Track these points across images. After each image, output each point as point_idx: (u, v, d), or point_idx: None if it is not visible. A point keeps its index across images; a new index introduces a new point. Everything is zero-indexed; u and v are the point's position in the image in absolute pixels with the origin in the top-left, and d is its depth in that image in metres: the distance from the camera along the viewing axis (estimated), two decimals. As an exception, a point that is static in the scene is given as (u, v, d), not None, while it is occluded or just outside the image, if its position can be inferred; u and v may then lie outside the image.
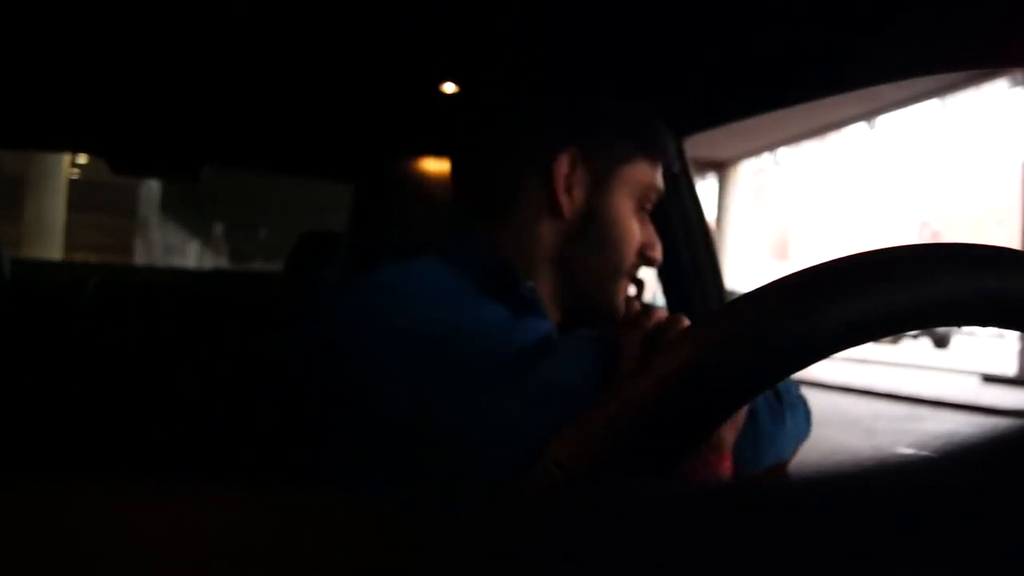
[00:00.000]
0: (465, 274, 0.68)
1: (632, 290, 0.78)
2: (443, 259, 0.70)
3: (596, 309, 0.75)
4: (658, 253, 0.76)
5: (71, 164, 9.64)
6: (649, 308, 0.67)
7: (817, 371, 7.25)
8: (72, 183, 9.94)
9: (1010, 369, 8.95)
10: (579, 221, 0.72)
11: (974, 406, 6.90)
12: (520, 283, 0.69)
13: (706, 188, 10.82)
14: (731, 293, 1.47)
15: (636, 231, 0.74)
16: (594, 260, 0.73)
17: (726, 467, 0.57)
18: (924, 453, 0.24)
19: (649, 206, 0.76)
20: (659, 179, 0.76)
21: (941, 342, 15.50)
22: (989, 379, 8.94)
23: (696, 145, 1.35)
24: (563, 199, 0.71)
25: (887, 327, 0.29)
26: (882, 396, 7.69)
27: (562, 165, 0.71)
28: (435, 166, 1.16)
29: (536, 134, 0.73)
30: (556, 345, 0.65)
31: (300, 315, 0.69)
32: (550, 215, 0.72)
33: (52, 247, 8.79)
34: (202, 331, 1.52)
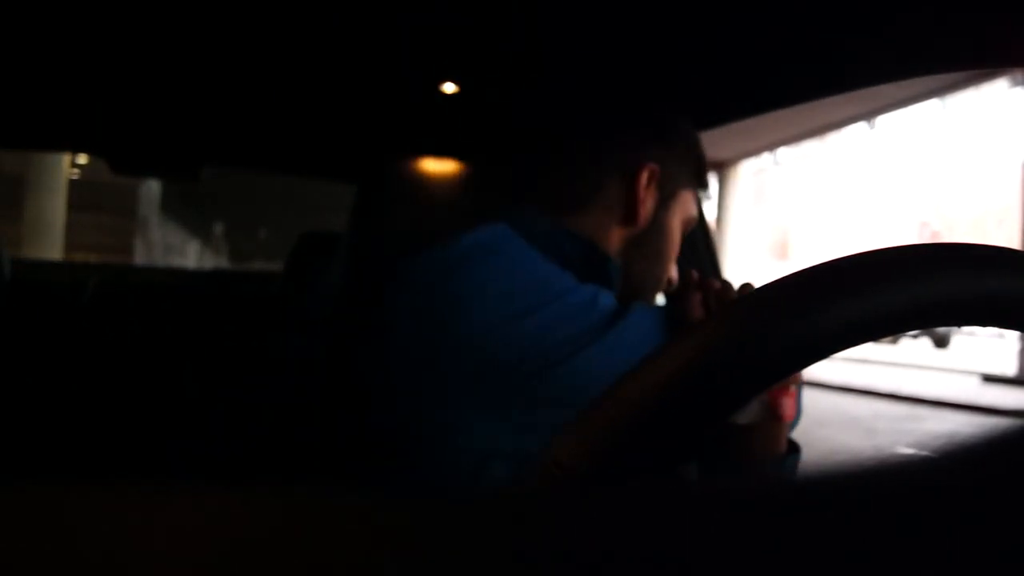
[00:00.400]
0: (547, 246, 0.73)
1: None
2: (519, 232, 0.73)
3: None
4: (675, 276, 0.81)
5: (71, 164, 9.64)
6: (705, 277, 0.73)
7: (817, 371, 7.26)
8: (72, 183, 9.94)
9: (1010, 369, 8.95)
10: (643, 231, 0.77)
11: (974, 406, 6.90)
12: (611, 260, 0.76)
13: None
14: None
15: (677, 250, 0.81)
16: (649, 269, 0.79)
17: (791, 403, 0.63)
18: (924, 453, 0.24)
19: (685, 233, 0.83)
20: (696, 211, 0.84)
21: (941, 342, 15.51)
22: (989, 379, 8.94)
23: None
24: (640, 208, 0.76)
25: (888, 327, 0.29)
26: (882, 396, 7.70)
27: (644, 176, 0.76)
28: (436, 166, 1.16)
29: (625, 142, 0.78)
30: (632, 310, 0.68)
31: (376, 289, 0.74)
32: (623, 220, 0.77)
33: (52, 247, 8.79)
34: (202, 331, 1.52)
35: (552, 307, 0.64)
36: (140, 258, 13.36)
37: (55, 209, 9.04)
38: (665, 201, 0.78)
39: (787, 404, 0.63)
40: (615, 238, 0.77)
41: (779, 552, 0.17)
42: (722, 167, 10.46)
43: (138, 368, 1.42)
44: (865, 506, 0.20)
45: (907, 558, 0.18)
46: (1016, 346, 8.90)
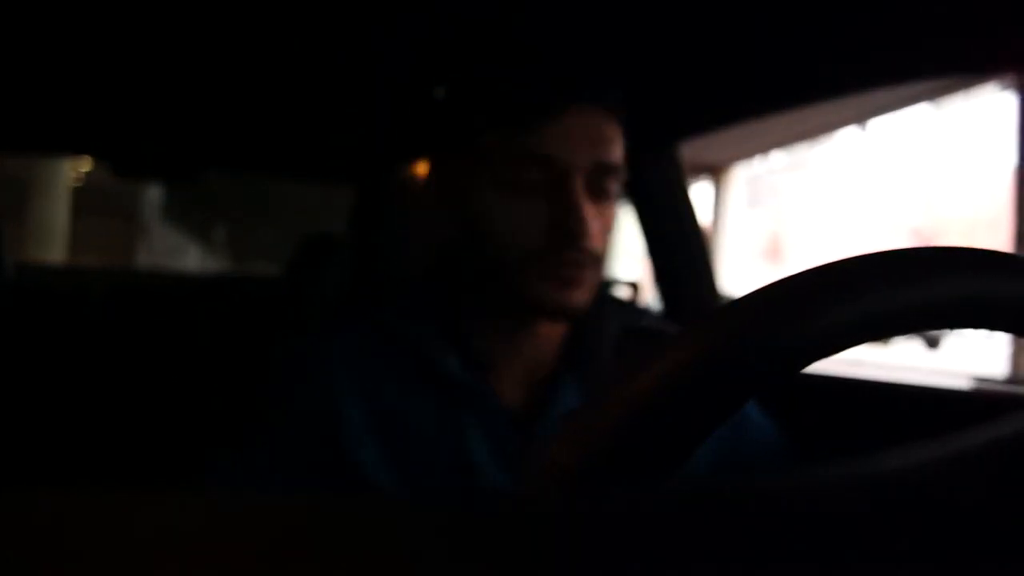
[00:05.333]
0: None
1: (628, 293, 0.76)
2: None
3: (524, 303, 0.69)
4: (572, 228, 0.65)
5: (74, 168, 9.57)
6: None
7: (811, 373, 7.19)
8: (75, 188, 9.87)
9: (1000, 371, 8.92)
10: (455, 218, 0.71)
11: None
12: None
13: (700, 192, 10.79)
14: (726, 296, 1.48)
15: (502, 209, 0.66)
16: (469, 252, 0.71)
17: None
18: (919, 452, 0.25)
19: (529, 176, 0.65)
20: (531, 142, 0.65)
21: (932, 344, 15.46)
22: (980, 381, 8.90)
23: (690, 149, 1.36)
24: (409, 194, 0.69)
25: (881, 330, 0.30)
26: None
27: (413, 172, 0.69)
28: None
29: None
30: None
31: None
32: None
33: (55, 251, 8.72)
34: (206, 335, 1.51)
35: None
36: (142, 261, 13.25)
37: (58, 213, 8.97)
38: (462, 172, 0.69)
39: None
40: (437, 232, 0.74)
41: (780, 551, 0.18)
42: (716, 171, 10.43)
43: (142, 372, 1.42)
44: (863, 507, 0.21)
45: (907, 557, 0.19)
46: (1006, 348, 8.88)
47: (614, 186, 0.69)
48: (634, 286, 3.29)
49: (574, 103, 0.66)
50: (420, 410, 0.68)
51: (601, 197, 0.68)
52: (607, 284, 0.78)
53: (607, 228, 0.69)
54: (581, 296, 0.68)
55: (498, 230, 0.67)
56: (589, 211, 0.66)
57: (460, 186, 0.70)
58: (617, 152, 0.69)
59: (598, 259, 0.68)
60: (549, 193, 0.66)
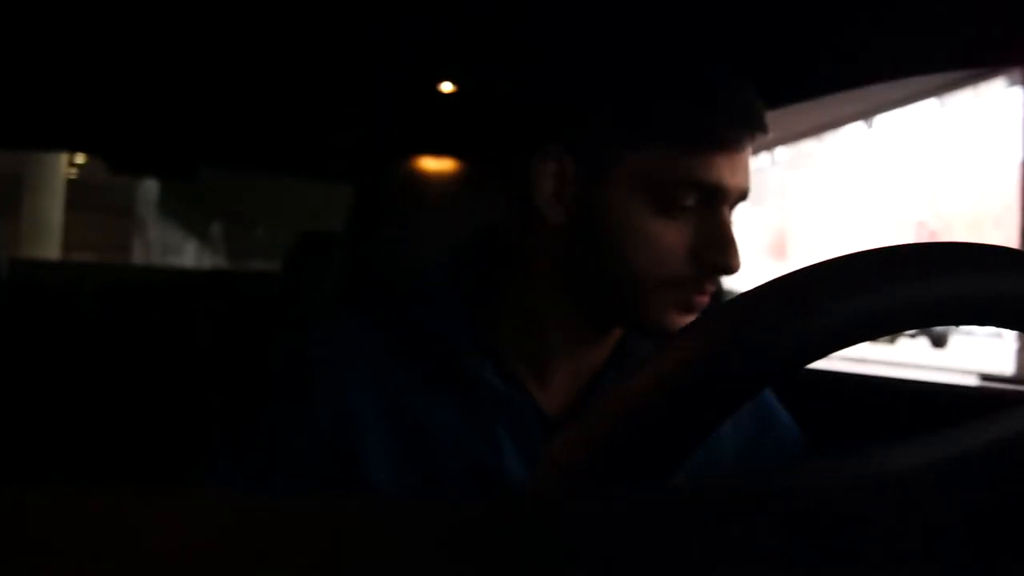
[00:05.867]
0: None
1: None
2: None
3: (635, 325, 0.67)
4: (727, 258, 0.63)
5: (69, 163, 9.63)
6: None
7: (815, 369, 7.22)
8: (70, 182, 9.93)
9: (1007, 368, 8.95)
10: (576, 224, 0.65)
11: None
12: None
13: (704, 188, 10.81)
14: (728, 293, 1.46)
15: (651, 233, 0.62)
16: (590, 266, 0.65)
17: None
18: (920, 450, 0.24)
19: (686, 201, 0.62)
20: (700, 167, 0.62)
21: (939, 341, 15.50)
22: (987, 379, 8.94)
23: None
24: (537, 198, 0.64)
25: (885, 326, 0.29)
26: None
27: (540, 162, 0.64)
28: (435, 166, 1.16)
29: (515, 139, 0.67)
30: None
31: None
32: (536, 218, 0.66)
33: (50, 247, 8.78)
34: (201, 331, 1.52)
35: None
36: (138, 257, 13.35)
37: (53, 208, 9.05)
38: (594, 180, 0.63)
39: None
40: (539, 239, 0.67)
41: (779, 552, 0.18)
42: (720, 167, 10.45)
43: (136, 368, 1.42)
44: (864, 506, 0.20)
45: (907, 556, 0.18)
46: (1014, 345, 8.91)
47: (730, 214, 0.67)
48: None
49: (756, 133, 0.64)
50: (444, 414, 0.65)
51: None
52: None
53: None
54: (685, 322, 0.65)
55: (638, 253, 0.62)
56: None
57: (587, 199, 0.64)
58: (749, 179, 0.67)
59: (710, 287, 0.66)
60: (701, 218, 0.63)
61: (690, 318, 0.64)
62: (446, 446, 0.64)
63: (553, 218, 0.64)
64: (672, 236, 0.62)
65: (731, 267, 0.63)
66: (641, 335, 0.70)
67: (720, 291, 1.37)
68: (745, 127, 0.63)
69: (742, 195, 0.66)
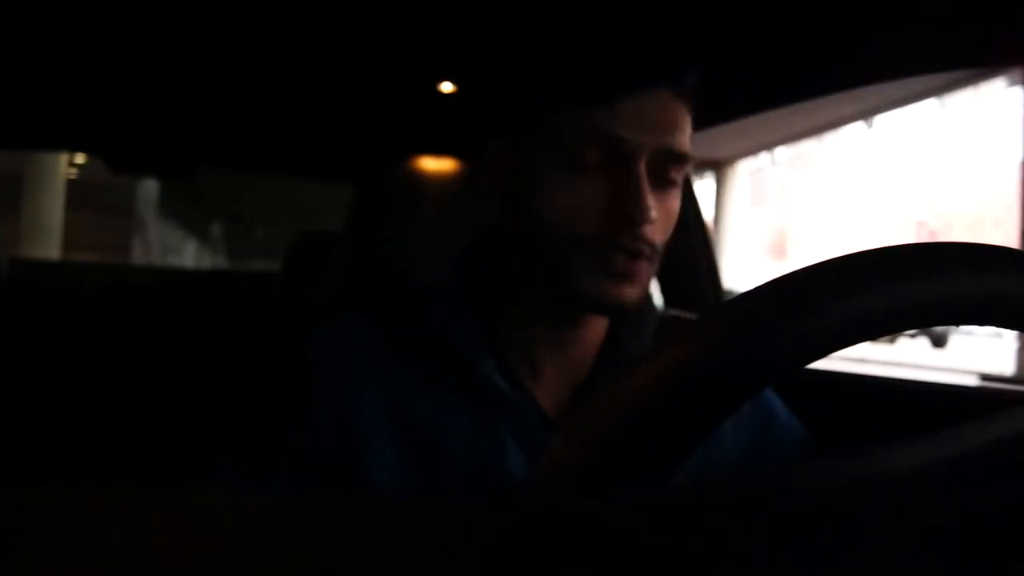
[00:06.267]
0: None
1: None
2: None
3: (570, 298, 0.66)
4: (632, 210, 0.61)
5: (69, 163, 9.63)
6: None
7: (815, 369, 7.22)
8: (69, 182, 9.93)
9: (1008, 369, 8.95)
10: (516, 211, 0.66)
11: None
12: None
13: (703, 187, 10.81)
14: (729, 292, 1.47)
15: (561, 191, 0.63)
16: (524, 239, 0.67)
17: None
18: (920, 450, 0.24)
19: (591, 158, 0.62)
20: (602, 122, 0.62)
21: (939, 342, 15.50)
22: (987, 379, 8.94)
23: (693, 144, 1.34)
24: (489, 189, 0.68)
25: (885, 326, 0.29)
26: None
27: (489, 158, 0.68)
28: (435, 166, 1.16)
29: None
30: None
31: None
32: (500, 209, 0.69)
33: (50, 247, 8.78)
34: (201, 331, 1.52)
35: None
36: (138, 257, 13.36)
37: (52, 208, 9.06)
38: (519, 154, 0.65)
39: None
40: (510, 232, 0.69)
41: (777, 551, 0.18)
42: (719, 166, 10.45)
43: (136, 368, 1.42)
44: (864, 506, 0.20)
45: (907, 555, 0.18)
46: (1014, 345, 8.91)
47: (678, 176, 0.65)
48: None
49: (652, 87, 0.63)
50: (446, 415, 0.65)
51: (664, 186, 0.64)
52: None
53: (668, 221, 0.65)
54: (634, 292, 0.63)
55: (551, 213, 0.63)
56: (650, 198, 0.61)
57: (515, 171, 0.66)
58: (684, 140, 0.65)
59: (655, 253, 0.64)
60: (610, 175, 0.62)
61: (627, 288, 0.63)
62: (449, 447, 0.64)
63: (503, 203, 0.67)
64: (581, 193, 0.62)
65: (636, 219, 0.60)
66: (598, 313, 0.68)
67: (720, 291, 1.37)
68: (646, 78, 0.63)
69: (663, 152, 0.63)
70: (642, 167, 0.62)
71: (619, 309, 0.64)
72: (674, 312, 0.82)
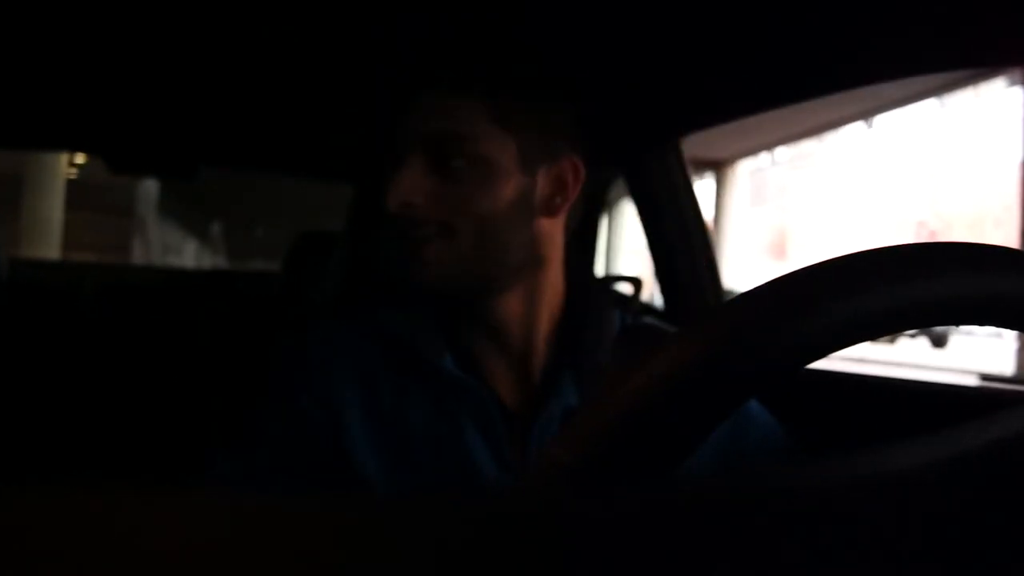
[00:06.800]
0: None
1: (629, 289, 0.76)
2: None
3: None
4: (390, 192, 0.68)
5: (69, 163, 9.64)
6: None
7: (815, 369, 7.21)
8: (69, 182, 9.94)
9: (1007, 369, 8.96)
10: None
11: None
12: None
13: (703, 188, 10.82)
14: (729, 293, 1.47)
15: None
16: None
17: None
18: (920, 450, 0.24)
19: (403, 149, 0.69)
20: (403, 119, 0.70)
21: (939, 342, 15.50)
22: (987, 379, 8.94)
23: (693, 145, 1.35)
24: None
25: (885, 326, 0.29)
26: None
27: None
28: None
29: None
30: None
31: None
32: None
33: (50, 247, 8.79)
34: (201, 331, 1.52)
35: None
36: (138, 257, 13.36)
37: (52, 208, 9.06)
38: None
39: None
40: None
41: (777, 551, 0.18)
42: (719, 167, 10.46)
43: (136, 368, 1.42)
44: (863, 505, 0.20)
45: (907, 555, 0.18)
46: (1014, 345, 8.91)
47: (458, 158, 0.68)
48: (636, 283, 3.31)
49: (429, 87, 0.70)
50: (417, 408, 0.69)
51: (444, 167, 0.68)
52: (605, 280, 0.77)
53: (457, 200, 0.68)
54: (425, 271, 0.68)
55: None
56: (424, 181, 0.67)
57: None
58: (457, 122, 0.68)
59: (451, 231, 0.67)
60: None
61: (417, 268, 0.68)
62: (416, 435, 0.68)
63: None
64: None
65: (389, 204, 0.67)
66: (590, 336, 0.73)
67: (720, 291, 1.37)
68: (419, 80, 0.70)
69: (436, 136, 0.68)
70: (414, 156, 0.68)
71: (418, 288, 0.69)
72: (648, 321, 0.82)
